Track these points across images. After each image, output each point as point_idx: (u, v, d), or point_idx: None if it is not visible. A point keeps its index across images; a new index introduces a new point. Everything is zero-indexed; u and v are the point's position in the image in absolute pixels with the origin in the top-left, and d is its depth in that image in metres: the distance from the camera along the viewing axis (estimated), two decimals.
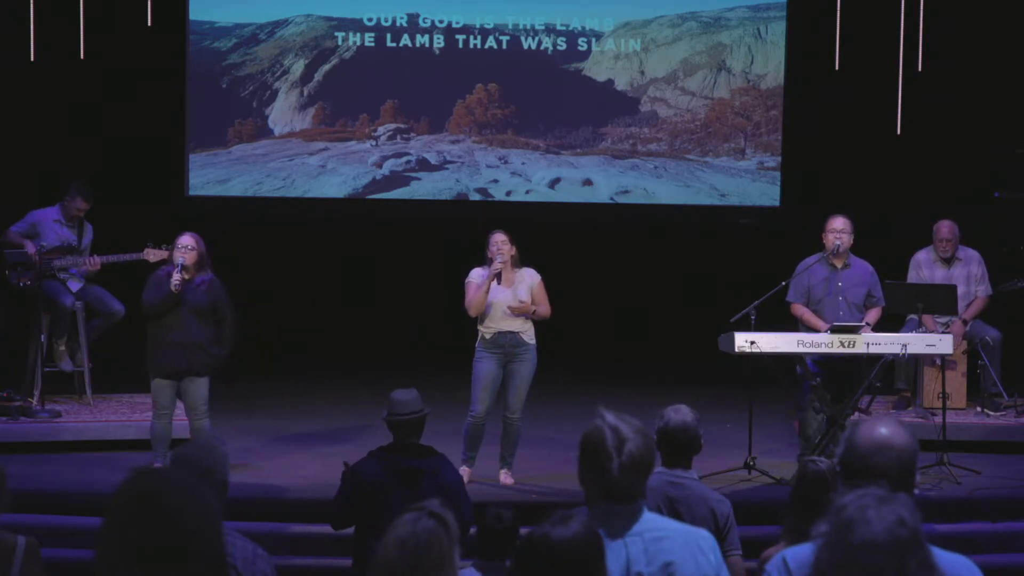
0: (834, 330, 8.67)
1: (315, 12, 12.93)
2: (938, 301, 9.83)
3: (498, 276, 8.61)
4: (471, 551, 5.67)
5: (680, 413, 5.40)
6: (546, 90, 13.03)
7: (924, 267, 10.49)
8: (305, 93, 12.97)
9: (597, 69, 12.99)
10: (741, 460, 8.79)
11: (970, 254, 10.51)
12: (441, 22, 12.87)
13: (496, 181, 12.99)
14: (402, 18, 12.85)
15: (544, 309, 8.71)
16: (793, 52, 12.83)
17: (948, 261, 10.45)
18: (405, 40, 12.85)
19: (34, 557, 4.73)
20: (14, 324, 10.47)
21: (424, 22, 12.86)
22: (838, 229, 9.11)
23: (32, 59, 11.12)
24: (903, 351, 8.67)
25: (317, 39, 12.94)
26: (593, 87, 13.00)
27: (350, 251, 13.09)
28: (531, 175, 13.01)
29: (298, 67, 12.95)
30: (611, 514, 3.46)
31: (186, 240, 8.51)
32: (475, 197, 12.99)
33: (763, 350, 8.52)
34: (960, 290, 10.08)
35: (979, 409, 10.25)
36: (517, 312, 8.62)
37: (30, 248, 9.98)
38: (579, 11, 12.90)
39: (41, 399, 9.88)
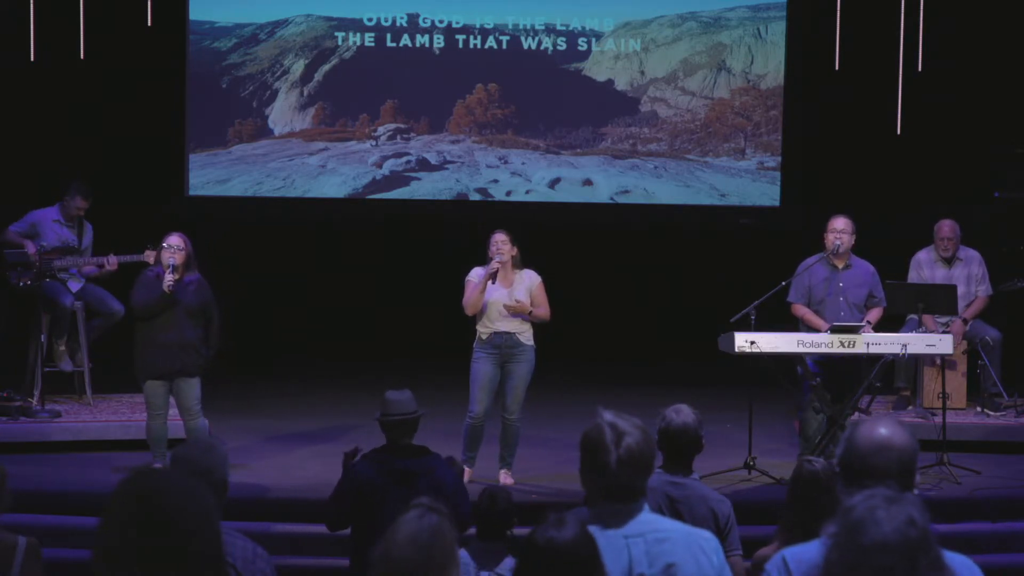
0: (834, 330, 8.67)
1: (315, 12, 12.93)
2: (938, 301, 9.83)
3: (496, 275, 8.60)
4: (473, 536, 5.74)
5: (681, 414, 5.39)
6: (546, 90, 13.03)
7: (924, 267, 10.49)
8: (305, 93, 12.97)
9: (597, 69, 12.99)
10: (741, 460, 8.79)
11: (970, 254, 10.51)
12: (441, 22, 12.87)
13: (496, 181, 12.99)
14: (402, 18, 12.85)
15: (543, 311, 8.68)
16: (793, 52, 12.83)
17: (948, 261, 10.44)
18: (405, 40, 12.85)
19: (35, 557, 4.73)
20: (14, 324, 10.47)
21: (424, 22, 12.86)
22: (838, 229, 9.11)
23: (32, 59, 11.12)
24: (903, 351, 8.67)
25: (317, 39, 12.94)
26: (593, 87, 13.00)
27: (350, 251, 13.09)
28: (531, 175, 13.01)
29: (298, 67, 12.95)
30: (612, 514, 3.45)
31: (175, 240, 8.49)
32: (475, 197, 12.99)
33: (763, 350, 8.52)
34: (960, 290, 10.08)
35: (979, 409, 10.25)
36: (512, 312, 8.60)
37: (30, 248, 9.98)
38: (579, 11, 12.90)
39: (41, 399, 9.88)
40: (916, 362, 10.11)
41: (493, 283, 8.60)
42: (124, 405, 10.19)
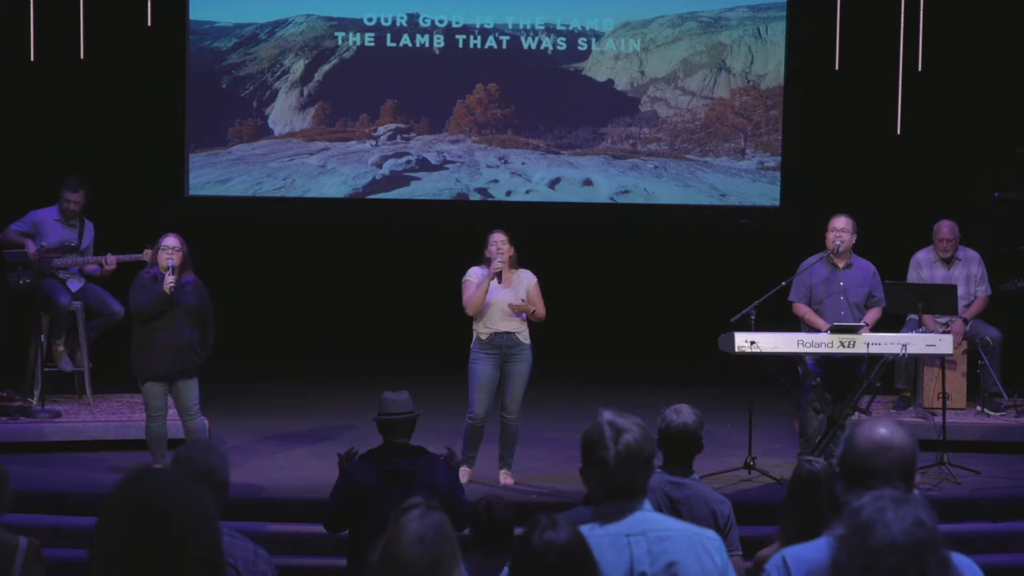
0: (834, 330, 8.67)
1: (315, 12, 12.93)
2: (938, 301, 9.84)
3: (498, 276, 8.61)
4: (470, 547, 5.69)
5: (681, 414, 5.40)
6: (546, 90, 13.03)
7: (924, 267, 10.49)
8: (305, 93, 12.96)
9: (597, 69, 12.99)
10: (741, 460, 8.79)
11: (970, 254, 10.51)
12: (441, 22, 12.87)
13: (496, 181, 12.98)
14: (402, 18, 12.84)
15: (540, 311, 8.71)
16: (793, 52, 12.82)
17: (948, 261, 10.44)
18: (405, 40, 12.84)
19: (36, 557, 4.73)
20: (14, 324, 10.46)
21: (424, 22, 12.85)
22: (839, 228, 9.11)
23: (32, 59, 11.12)
24: (903, 351, 8.67)
25: (317, 39, 12.93)
26: (593, 87, 13.00)
27: (350, 251, 13.08)
28: (531, 175, 13.00)
29: (298, 67, 12.94)
30: (613, 512, 3.45)
31: (171, 241, 8.48)
32: (475, 197, 12.98)
33: (763, 350, 8.52)
34: (960, 290, 10.08)
35: (979, 409, 10.24)
36: (517, 311, 8.62)
37: (30, 248, 9.98)
38: (579, 11, 12.90)
39: (41, 399, 9.87)
40: (916, 362, 10.10)
41: (499, 283, 8.62)
42: (124, 405, 10.19)
